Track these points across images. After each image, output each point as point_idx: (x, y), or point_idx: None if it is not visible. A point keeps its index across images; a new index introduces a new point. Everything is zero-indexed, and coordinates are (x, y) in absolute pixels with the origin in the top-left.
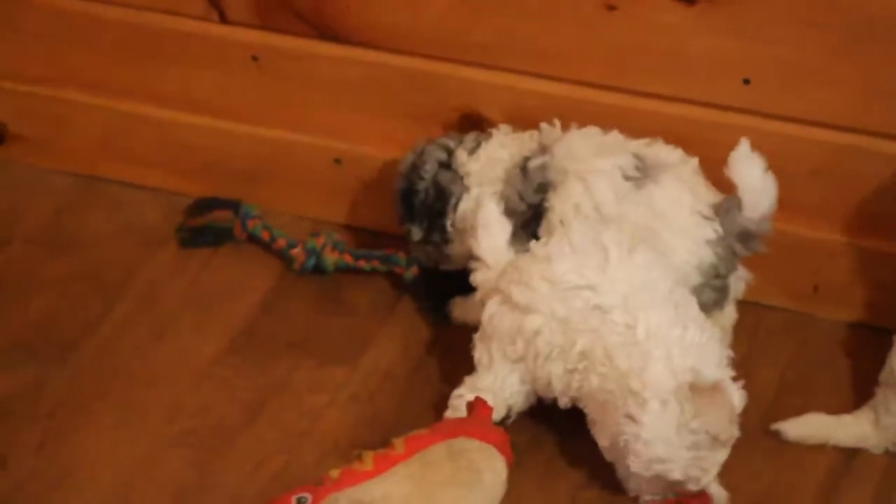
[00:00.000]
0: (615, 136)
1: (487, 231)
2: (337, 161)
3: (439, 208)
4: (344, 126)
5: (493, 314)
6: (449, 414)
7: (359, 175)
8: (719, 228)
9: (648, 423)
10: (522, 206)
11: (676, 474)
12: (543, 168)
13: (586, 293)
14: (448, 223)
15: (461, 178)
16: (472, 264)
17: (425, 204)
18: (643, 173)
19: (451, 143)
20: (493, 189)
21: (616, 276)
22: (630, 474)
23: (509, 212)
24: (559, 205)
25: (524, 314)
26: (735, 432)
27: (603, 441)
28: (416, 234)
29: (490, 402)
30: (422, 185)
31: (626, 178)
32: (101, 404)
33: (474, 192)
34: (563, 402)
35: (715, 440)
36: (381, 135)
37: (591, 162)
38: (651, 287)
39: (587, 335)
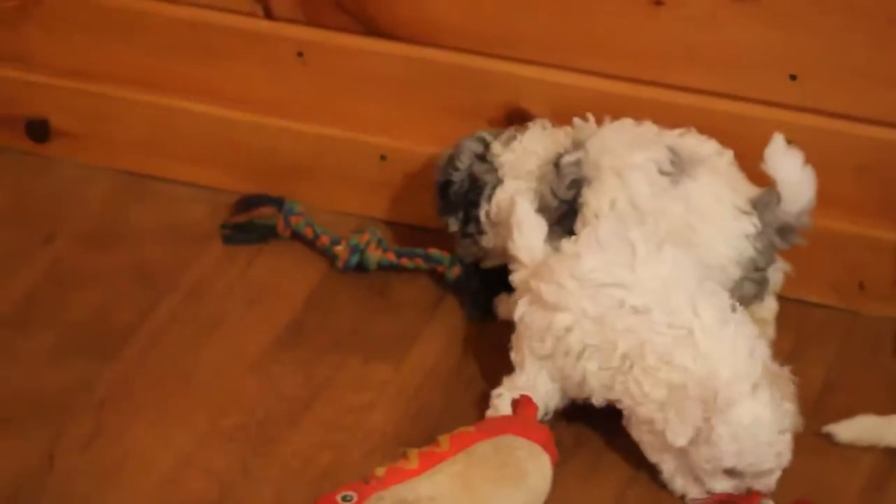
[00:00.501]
0: (648, 127)
1: (522, 230)
2: (382, 157)
3: (473, 199)
4: (389, 122)
5: (525, 313)
6: (490, 413)
7: (404, 171)
8: (758, 223)
9: (746, 411)
10: (555, 203)
11: (769, 463)
12: (577, 164)
13: (617, 291)
14: (482, 214)
15: (495, 169)
16: (511, 264)
17: (460, 194)
18: (678, 168)
19: (488, 136)
20: (527, 183)
21: (644, 273)
22: (679, 472)
23: (543, 208)
24: (594, 200)
25: (553, 312)
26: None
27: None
28: (453, 224)
29: None
30: (457, 177)
31: (662, 172)
32: (148, 399)
33: (509, 184)
34: (598, 401)
35: (795, 422)
36: (426, 131)
37: (625, 156)
38: (681, 283)
39: (628, 336)
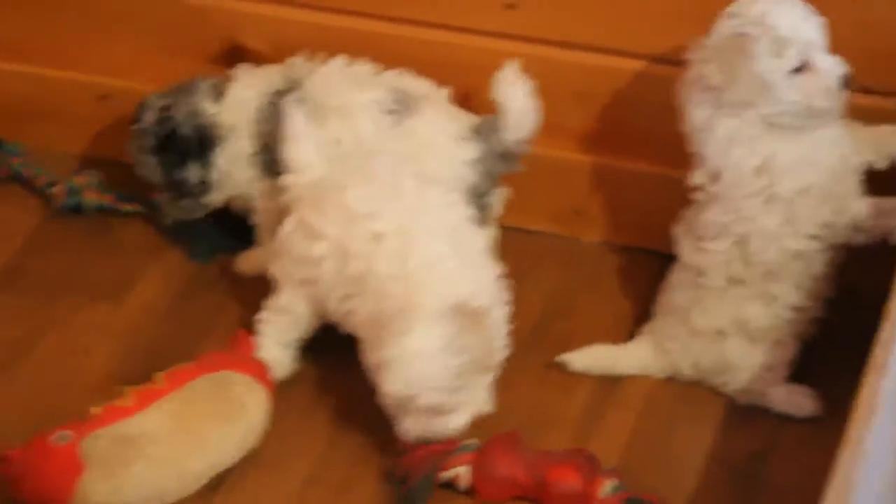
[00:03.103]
0: (366, 68)
1: (296, 142)
2: (103, 97)
3: (193, 157)
4: (109, 62)
5: (289, 233)
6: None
7: (124, 110)
8: (479, 148)
9: (415, 339)
10: (275, 140)
11: (437, 396)
12: (298, 103)
13: (370, 221)
14: (212, 173)
15: (215, 126)
16: (283, 169)
17: (178, 151)
18: (403, 105)
19: (199, 95)
20: (248, 134)
21: (402, 207)
22: (394, 405)
23: (262, 147)
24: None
25: (313, 240)
26: (498, 359)
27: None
28: (194, 176)
29: (287, 323)
30: (173, 140)
31: (387, 111)
32: None
33: (232, 141)
34: (344, 329)
35: (478, 364)
36: (146, 69)
37: (349, 96)
38: (436, 220)
39: (361, 261)
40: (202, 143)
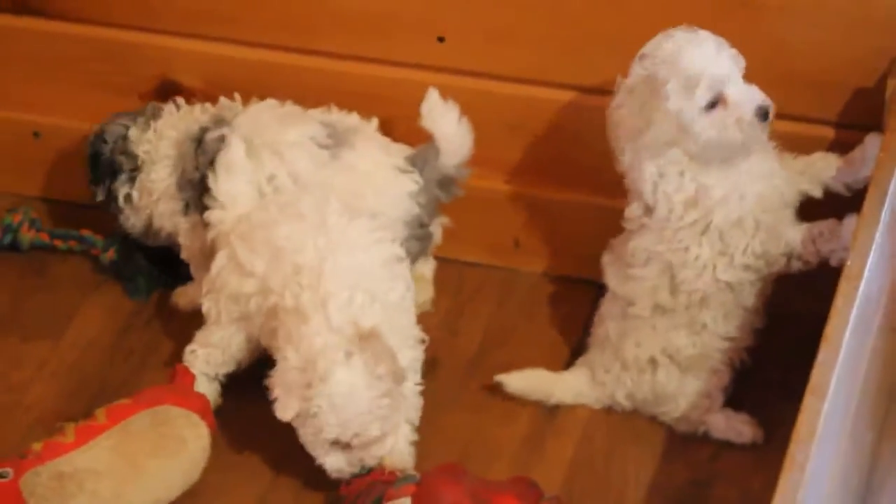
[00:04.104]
0: (294, 107)
1: (229, 173)
2: (36, 134)
3: (113, 179)
4: (42, 99)
5: (222, 268)
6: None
7: (57, 148)
8: (419, 179)
9: (340, 380)
10: (197, 176)
11: (376, 429)
12: (221, 140)
13: (293, 256)
14: (121, 196)
15: (136, 156)
16: (210, 203)
17: (105, 170)
18: (336, 139)
19: (128, 121)
20: (167, 168)
21: (323, 242)
22: (319, 447)
23: (184, 183)
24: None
25: (245, 277)
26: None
27: (289, 414)
28: (99, 195)
29: (220, 358)
30: (104, 150)
31: (320, 146)
32: None
33: (148, 169)
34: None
35: (396, 378)
36: (79, 107)
37: (279, 133)
38: (353, 256)
39: (277, 295)
40: (115, 165)
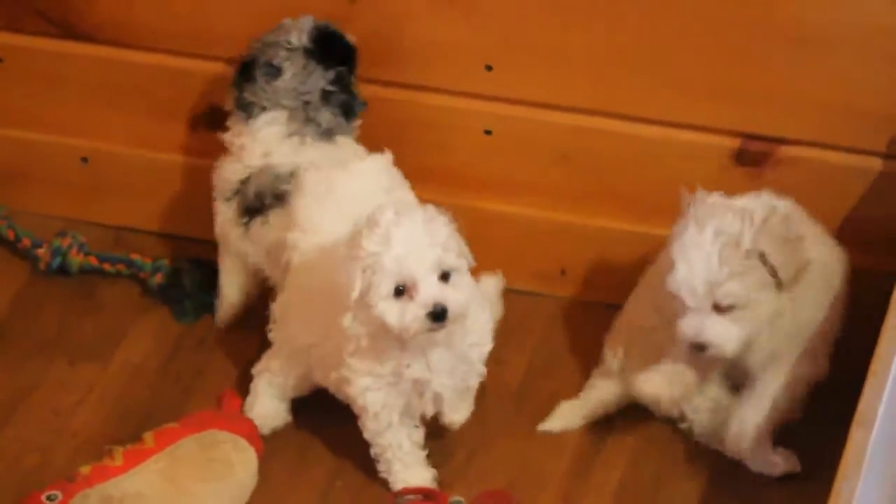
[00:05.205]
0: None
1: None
2: (84, 160)
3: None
4: (91, 124)
5: (285, 306)
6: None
7: (106, 173)
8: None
9: (392, 222)
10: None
11: (425, 265)
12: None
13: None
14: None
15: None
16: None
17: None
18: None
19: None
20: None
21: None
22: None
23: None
24: None
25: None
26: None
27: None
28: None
29: (280, 382)
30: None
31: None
32: None
33: None
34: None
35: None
36: (127, 132)
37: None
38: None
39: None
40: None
